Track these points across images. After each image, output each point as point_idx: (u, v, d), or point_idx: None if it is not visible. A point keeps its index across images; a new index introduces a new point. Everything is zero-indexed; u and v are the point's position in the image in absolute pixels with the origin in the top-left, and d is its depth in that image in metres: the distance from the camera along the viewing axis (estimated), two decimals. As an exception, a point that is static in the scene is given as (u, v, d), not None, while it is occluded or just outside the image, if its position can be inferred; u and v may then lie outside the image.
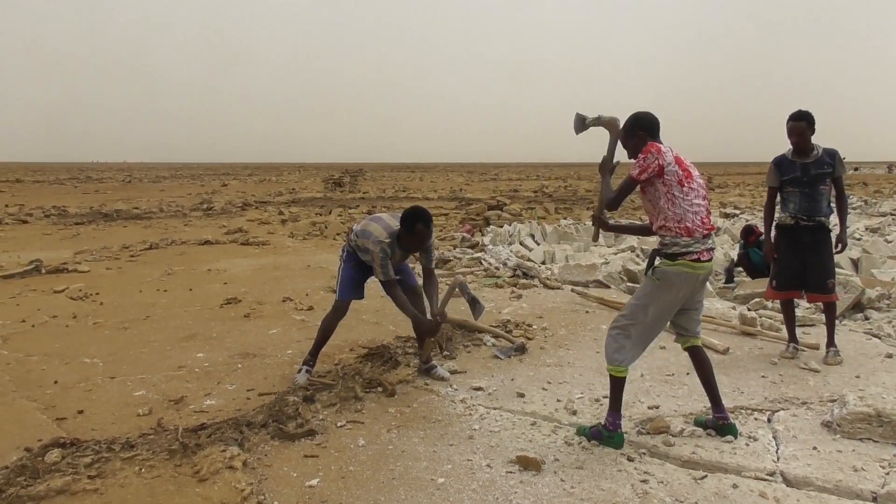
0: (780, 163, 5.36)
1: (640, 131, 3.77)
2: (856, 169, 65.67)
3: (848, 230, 5.39)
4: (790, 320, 5.56)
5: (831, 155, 5.19)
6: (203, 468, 3.29)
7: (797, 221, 5.27)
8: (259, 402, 4.32)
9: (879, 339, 5.94)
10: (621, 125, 3.90)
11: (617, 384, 3.71)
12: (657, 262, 3.67)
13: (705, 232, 3.61)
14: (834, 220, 5.48)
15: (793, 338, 5.51)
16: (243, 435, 3.68)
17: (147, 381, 4.77)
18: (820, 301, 5.49)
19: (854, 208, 20.56)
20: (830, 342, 5.31)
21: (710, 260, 3.64)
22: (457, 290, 4.83)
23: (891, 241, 11.33)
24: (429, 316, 4.74)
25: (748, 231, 8.81)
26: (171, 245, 12.78)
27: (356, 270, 4.82)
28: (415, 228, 4.46)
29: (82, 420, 4.07)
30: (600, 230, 4.29)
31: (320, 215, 19.40)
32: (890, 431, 3.65)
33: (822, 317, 6.66)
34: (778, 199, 5.46)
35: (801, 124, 5.14)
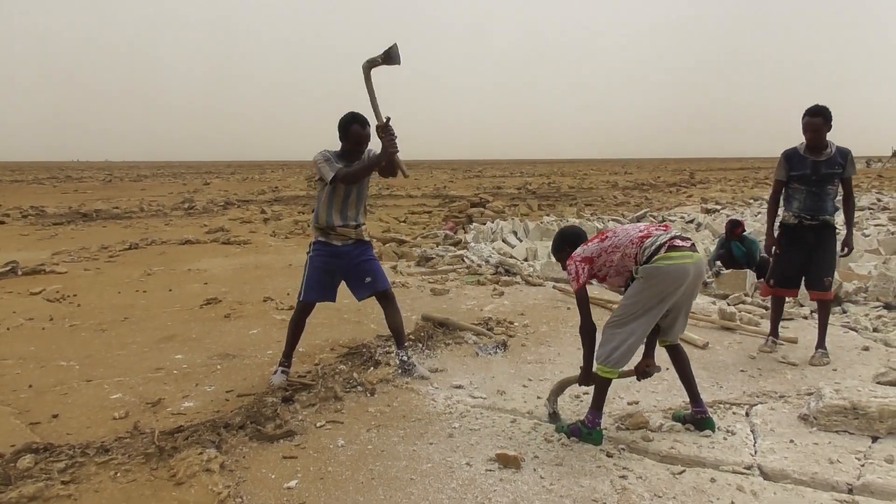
0: (790, 156, 5.21)
1: (566, 247, 3.93)
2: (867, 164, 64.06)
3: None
4: (776, 314, 5.54)
5: (844, 155, 5.05)
6: (180, 471, 3.25)
7: (801, 220, 5.17)
8: (237, 403, 4.29)
9: (856, 331, 6.01)
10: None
11: (603, 385, 3.71)
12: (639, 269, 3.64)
13: (659, 231, 3.63)
14: (840, 220, 5.38)
15: (774, 332, 5.50)
16: (221, 437, 3.64)
17: (124, 384, 4.71)
18: (816, 298, 5.34)
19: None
20: (820, 343, 5.17)
21: (690, 248, 3.55)
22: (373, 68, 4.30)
23: (868, 236, 11.47)
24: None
25: (734, 224, 8.91)
26: (152, 245, 12.66)
27: (323, 272, 4.67)
28: (350, 130, 4.37)
29: (57, 424, 4.01)
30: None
31: (303, 213, 19.30)
32: (865, 424, 3.69)
33: (801, 310, 6.75)
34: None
35: (816, 120, 4.99)
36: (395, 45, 4.27)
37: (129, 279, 9.03)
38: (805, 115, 5.03)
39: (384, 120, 4.29)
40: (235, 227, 15.93)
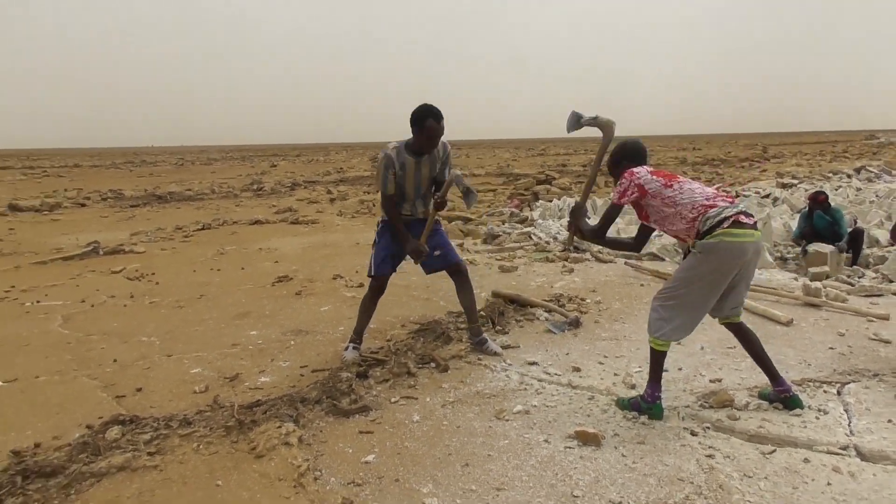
0: None
1: (625, 161, 3.78)
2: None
3: None
4: None
5: None
6: (259, 444, 3.29)
7: None
8: (312, 378, 4.32)
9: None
10: (615, 129, 3.89)
11: (657, 357, 3.58)
12: (698, 241, 3.44)
13: (728, 201, 3.43)
14: None
15: None
16: (298, 411, 3.68)
17: (202, 359, 4.82)
18: None
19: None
20: None
21: (753, 226, 3.37)
22: (454, 183, 4.58)
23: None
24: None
25: (817, 193, 8.53)
26: (223, 225, 12.98)
27: (391, 243, 4.63)
28: (425, 125, 4.25)
29: (141, 398, 4.13)
30: (574, 238, 4.19)
31: (368, 193, 19.45)
32: (973, 404, 3.44)
33: (891, 286, 6.39)
34: None
35: None
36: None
37: (204, 258, 9.27)
38: None
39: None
40: (303, 207, 16.18)
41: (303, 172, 32.70)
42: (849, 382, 4.03)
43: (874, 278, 7.14)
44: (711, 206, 3.39)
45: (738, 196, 15.12)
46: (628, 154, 3.84)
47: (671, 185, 3.54)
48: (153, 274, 8.13)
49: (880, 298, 6.12)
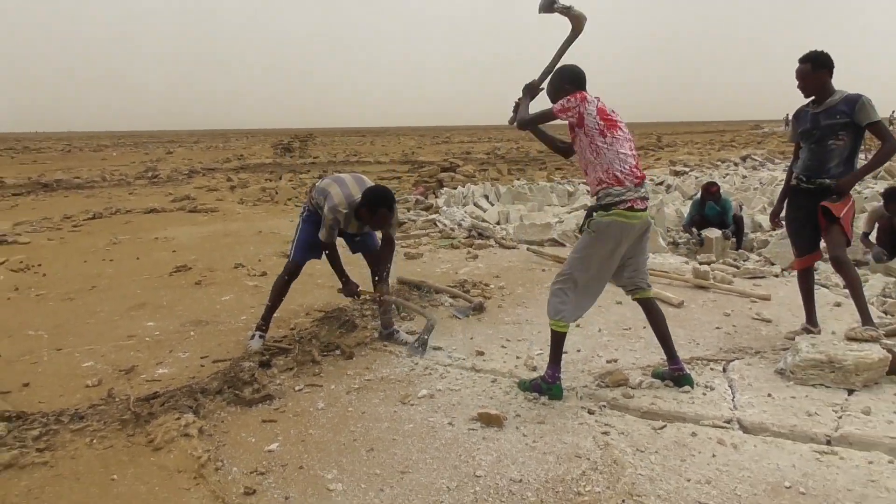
0: (798, 114, 4.59)
1: (566, 84, 3.77)
2: None
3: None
4: (806, 296, 4.76)
5: (850, 102, 4.23)
6: (157, 437, 3.18)
7: (798, 182, 4.54)
8: (214, 369, 4.21)
9: (827, 288, 6.11)
10: (584, 26, 3.88)
11: (557, 338, 3.71)
12: (593, 215, 3.61)
13: (636, 181, 3.57)
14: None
15: (810, 319, 4.73)
16: (198, 402, 3.57)
17: (95, 352, 4.59)
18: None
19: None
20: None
21: (644, 210, 3.58)
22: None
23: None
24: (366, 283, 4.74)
25: (709, 185, 9.06)
26: (116, 214, 12.35)
27: (315, 233, 4.59)
28: (377, 212, 4.32)
29: (28, 393, 3.90)
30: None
31: (270, 181, 18.99)
32: (841, 377, 3.74)
33: (772, 269, 6.85)
34: None
35: (804, 67, 4.34)
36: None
37: (95, 248, 8.80)
38: (798, 62, 4.42)
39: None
40: (202, 196, 15.61)
41: (201, 159, 31.49)
42: (733, 360, 4.29)
43: (758, 261, 7.62)
44: (620, 183, 3.52)
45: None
46: (569, 76, 3.78)
47: (605, 135, 3.56)
48: (39, 265, 7.65)
49: (763, 280, 6.54)
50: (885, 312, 5.31)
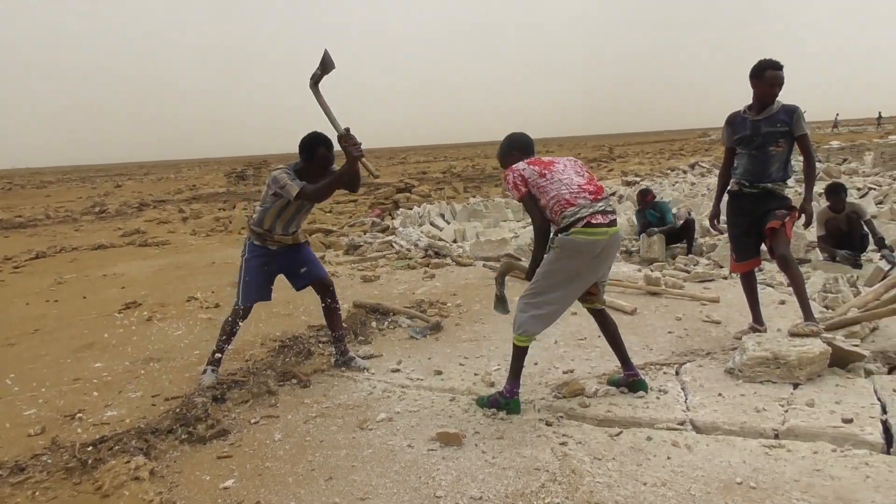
0: (732, 120, 4.70)
1: (514, 151, 3.92)
2: None
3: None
4: (751, 297, 4.90)
5: (789, 112, 4.43)
6: (105, 483, 3.08)
7: (741, 188, 4.66)
8: (165, 407, 4.11)
9: (773, 287, 6.27)
10: (511, 261, 4.34)
11: (519, 353, 3.72)
12: (556, 236, 3.65)
13: (590, 197, 3.61)
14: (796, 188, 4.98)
15: (756, 318, 4.87)
16: (149, 443, 3.48)
17: (39, 399, 4.43)
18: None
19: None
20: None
21: (608, 224, 3.57)
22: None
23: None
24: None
25: (644, 193, 9.29)
26: (61, 252, 12.04)
27: (259, 271, 4.46)
28: (317, 153, 4.20)
29: (-34, 447, 3.74)
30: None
31: (223, 210, 18.77)
32: (787, 372, 3.84)
33: (721, 271, 7.01)
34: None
35: (780, 74, 4.39)
36: (325, 52, 4.10)
37: (38, 289, 8.55)
38: (766, 68, 4.41)
39: (344, 130, 4.09)
40: (152, 229, 15.34)
41: (151, 191, 30.98)
42: (685, 363, 4.37)
43: (707, 265, 7.78)
44: (571, 204, 3.56)
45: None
46: (517, 145, 3.94)
47: (545, 175, 3.66)
48: (-22, 310, 7.39)
49: (712, 283, 6.68)
50: (827, 307, 5.46)
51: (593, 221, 3.53)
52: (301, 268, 4.57)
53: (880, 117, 58.35)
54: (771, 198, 4.54)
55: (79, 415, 4.09)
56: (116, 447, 3.42)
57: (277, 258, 4.51)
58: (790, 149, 4.53)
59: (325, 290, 4.66)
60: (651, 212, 8.99)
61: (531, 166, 3.72)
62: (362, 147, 4.04)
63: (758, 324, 4.81)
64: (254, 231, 4.47)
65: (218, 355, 4.52)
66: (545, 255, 3.69)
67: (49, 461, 3.37)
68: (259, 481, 3.14)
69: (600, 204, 3.63)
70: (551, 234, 3.67)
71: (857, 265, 6.95)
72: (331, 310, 4.67)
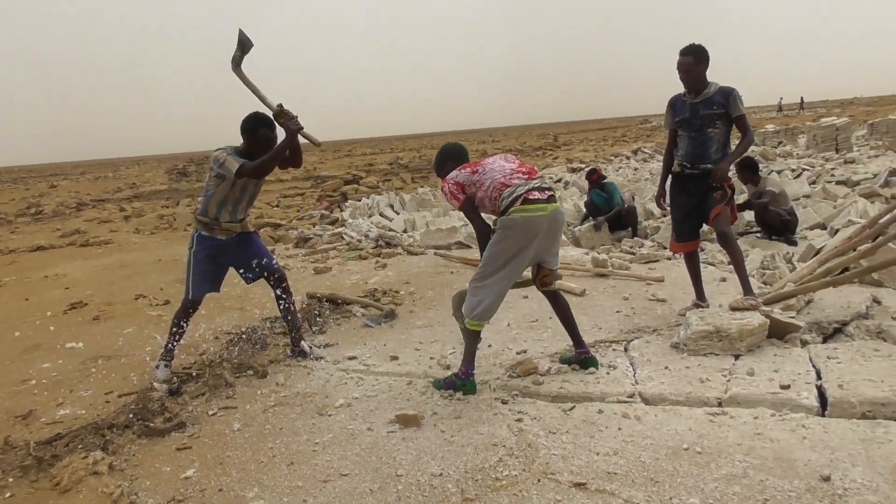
0: (673, 103, 4.88)
1: (449, 161, 4.03)
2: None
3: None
4: (694, 275, 5.07)
5: (725, 94, 4.60)
6: (64, 479, 3.05)
7: (682, 169, 4.82)
8: (120, 403, 4.07)
9: (713, 266, 6.52)
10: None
11: (472, 337, 3.80)
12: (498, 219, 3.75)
13: (524, 177, 3.72)
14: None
15: (699, 295, 5.05)
16: (106, 438, 3.46)
17: (-13, 400, 4.34)
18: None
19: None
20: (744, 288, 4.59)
21: (547, 200, 3.65)
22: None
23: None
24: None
25: (591, 172, 9.48)
26: (-2, 255, 11.64)
27: (208, 263, 4.42)
28: (258, 134, 4.19)
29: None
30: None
31: (167, 207, 18.38)
32: (728, 344, 4.03)
33: (664, 252, 7.25)
34: None
35: (686, 59, 4.60)
36: (240, 31, 4.14)
37: (-23, 293, 8.27)
38: (679, 55, 4.65)
39: (277, 107, 4.10)
40: (93, 228, 14.94)
41: (89, 191, 30.06)
42: (633, 339, 4.54)
43: (651, 246, 8.04)
44: (507, 185, 3.67)
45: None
46: (451, 155, 4.08)
47: (476, 171, 3.80)
48: (-88, 316, 7.11)
49: (657, 264, 6.91)
50: (765, 283, 5.72)
51: (531, 197, 3.63)
52: (252, 260, 4.54)
53: (781, 103, 59.73)
54: (709, 177, 4.68)
55: (30, 414, 4.02)
56: (73, 444, 3.40)
57: (227, 250, 4.47)
58: (728, 130, 4.69)
59: (278, 283, 4.63)
60: (599, 192, 9.17)
61: (462, 170, 3.86)
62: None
63: (701, 300, 5.01)
64: (200, 221, 4.42)
65: (170, 349, 4.49)
66: (491, 239, 3.76)
67: (2, 460, 3.32)
68: (220, 470, 3.16)
69: (535, 181, 3.73)
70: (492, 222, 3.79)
71: (792, 242, 7.30)
72: (286, 300, 4.68)
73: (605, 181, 9.41)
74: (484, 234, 3.81)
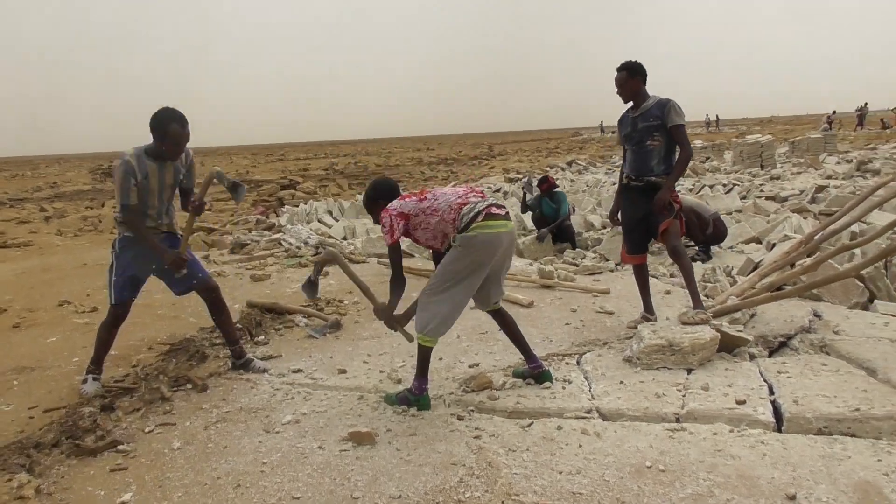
0: (621, 119, 4.98)
1: (380, 199, 3.85)
2: (613, 132, 73.72)
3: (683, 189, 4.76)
4: (643, 288, 5.10)
5: (661, 105, 4.66)
6: (-16, 505, 2.78)
7: (628, 181, 4.91)
8: (46, 419, 3.76)
9: (657, 278, 6.61)
10: (335, 252, 4.45)
11: (424, 353, 3.68)
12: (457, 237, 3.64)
13: (478, 198, 3.66)
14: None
15: (647, 308, 5.08)
16: (32, 459, 3.17)
17: None
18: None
19: (617, 166, 22.85)
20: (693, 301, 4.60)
21: (504, 217, 3.62)
22: (214, 179, 4.31)
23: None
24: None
25: (542, 180, 9.39)
26: None
27: (132, 264, 4.14)
28: (169, 130, 3.89)
29: None
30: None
31: (91, 209, 17.56)
32: (681, 358, 4.05)
33: (608, 264, 7.31)
34: None
35: (620, 75, 4.74)
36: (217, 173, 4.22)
37: None
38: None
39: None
40: (11, 229, 14.10)
41: (6, 189, 28.49)
42: (585, 352, 4.52)
43: (594, 258, 8.10)
44: (465, 203, 3.59)
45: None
46: (381, 192, 3.89)
47: (425, 198, 3.69)
48: None
49: (601, 276, 6.96)
50: (707, 296, 5.82)
51: (492, 212, 3.58)
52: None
53: (708, 119, 62.64)
54: (656, 191, 4.70)
55: (-58, 433, 3.68)
56: (-6, 466, 3.10)
57: (152, 256, 4.17)
58: (668, 141, 4.71)
59: (210, 293, 4.35)
60: (548, 201, 9.14)
61: (405, 199, 3.74)
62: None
63: (649, 313, 5.04)
64: (121, 223, 4.15)
65: (98, 361, 4.21)
66: (447, 255, 3.65)
67: (-88, 486, 3.01)
68: (160, 493, 2.94)
69: (490, 199, 3.70)
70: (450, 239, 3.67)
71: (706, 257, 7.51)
72: (219, 312, 4.41)
73: (556, 190, 9.33)
74: (398, 279, 3.73)
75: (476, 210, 3.55)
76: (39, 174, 43.83)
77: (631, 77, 4.73)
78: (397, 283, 3.76)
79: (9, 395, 4.23)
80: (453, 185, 3.85)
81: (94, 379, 4.18)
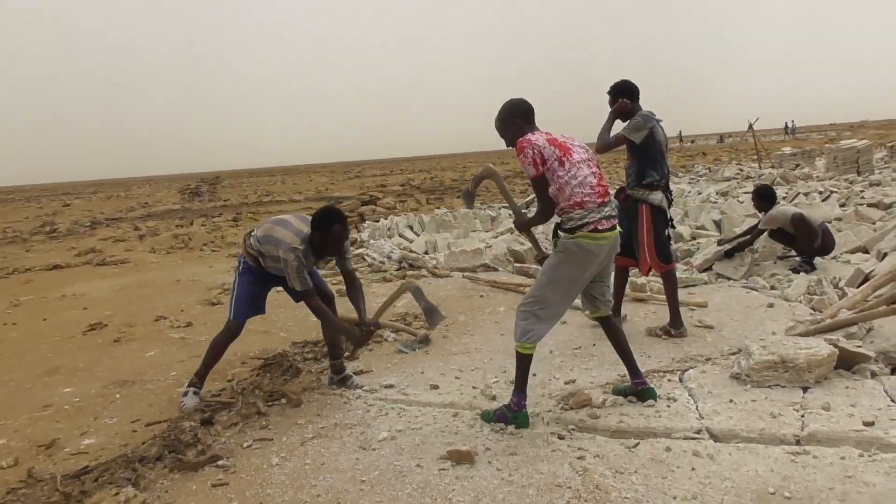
0: None
1: (516, 118, 3.66)
2: (692, 142, 72.13)
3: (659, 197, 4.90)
4: (617, 291, 5.16)
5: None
6: (94, 518, 2.83)
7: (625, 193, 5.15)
8: (148, 433, 3.85)
9: (757, 291, 6.27)
10: (493, 168, 4.31)
11: (524, 362, 3.57)
12: (560, 235, 3.56)
13: (599, 201, 3.49)
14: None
15: (615, 311, 4.84)
16: (137, 472, 3.22)
17: (7, 428, 4.12)
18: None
19: (700, 175, 22.17)
20: (671, 318, 5.03)
21: (611, 229, 3.51)
22: (409, 294, 4.44)
23: (743, 202, 12.15)
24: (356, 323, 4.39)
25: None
26: (14, 274, 11.46)
27: (255, 285, 4.35)
28: (332, 230, 4.03)
29: (-69, 484, 3.42)
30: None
31: (181, 227, 18.24)
32: (795, 375, 3.78)
33: (702, 276, 7.00)
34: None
35: (608, 96, 5.02)
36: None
37: (-6, 312, 8.08)
38: None
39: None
40: (108, 247, 14.77)
41: (102, 210, 30.04)
42: (687, 369, 4.29)
43: (685, 270, 7.78)
44: (581, 206, 3.44)
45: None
46: (518, 111, 3.66)
47: (564, 164, 3.46)
48: (-71, 337, 6.92)
49: (695, 288, 6.66)
50: (814, 309, 5.47)
51: (599, 227, 3.46)
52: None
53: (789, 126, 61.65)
54: (636, 204, 5.01)
55: (53, 444, 3.80)
56: (102, 478, 3.17)
57: (274, 277, 4.37)
58: (638, 154, 4.90)
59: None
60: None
61: (551, 146, 3.47)
62: None
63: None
64: (250, 254, 4.29)
65: (202, 375, 4.31)
66: (547, 260, 3.61)
67: (28, 496, 3.09)
68: (262, 510, 2.93)
69: (607, 209, 3.53)
70: (553, 226, 3.62)
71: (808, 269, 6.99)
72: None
73: None
74: (547, 215, 3.62)
75: (587, 220, 3.43)
76: (132, 195, 46.13)
77: (614, 98, 4.98)
78: (544, 215, 3.63)
79: (112, 409, 4.35)
80: (588, 163, 3.62)
81: (195, 393, 4.25)
